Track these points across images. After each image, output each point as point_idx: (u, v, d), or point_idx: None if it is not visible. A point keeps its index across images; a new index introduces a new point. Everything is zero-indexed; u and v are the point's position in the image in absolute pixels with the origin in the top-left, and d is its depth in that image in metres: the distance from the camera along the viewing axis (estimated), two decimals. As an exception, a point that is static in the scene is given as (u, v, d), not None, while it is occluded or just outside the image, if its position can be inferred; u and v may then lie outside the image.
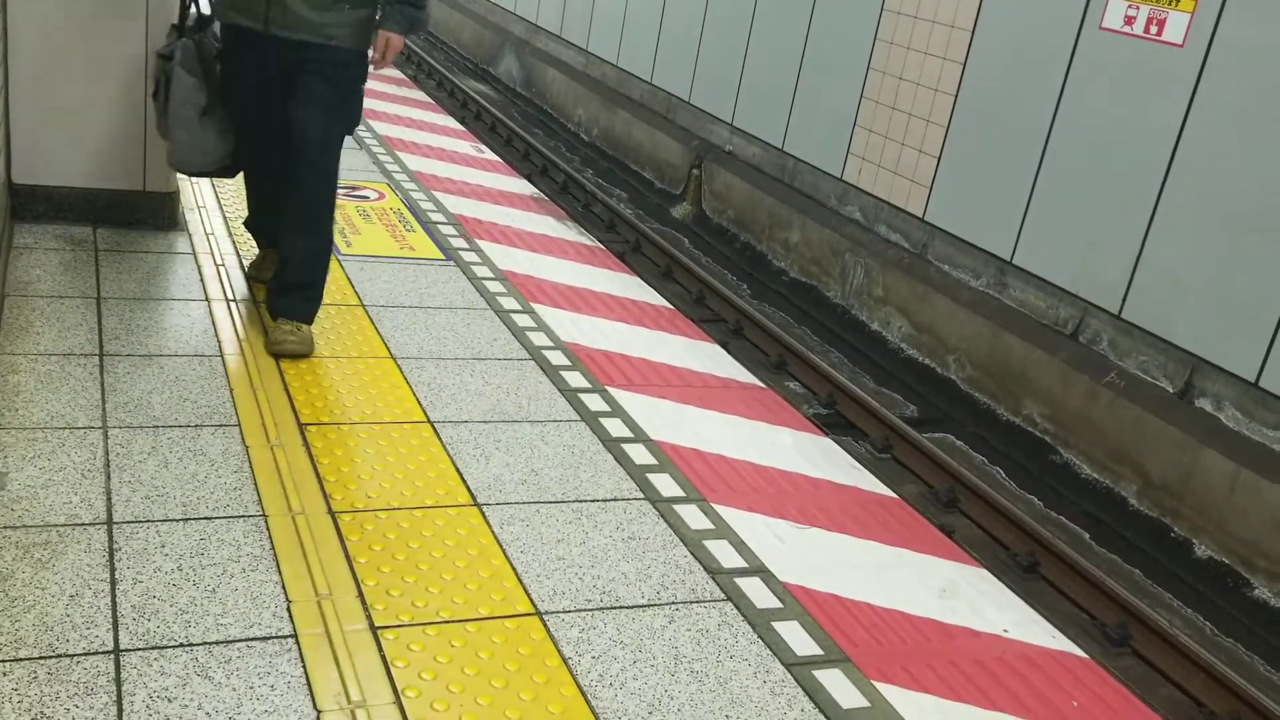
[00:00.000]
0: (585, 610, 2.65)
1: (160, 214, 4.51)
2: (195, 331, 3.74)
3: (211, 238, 4.53)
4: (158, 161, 4.36)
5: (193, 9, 3.79)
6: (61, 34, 4.16)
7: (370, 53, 3.68)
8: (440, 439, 3.33)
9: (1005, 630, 2.95)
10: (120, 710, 2.11)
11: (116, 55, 4.23)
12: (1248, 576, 5.18)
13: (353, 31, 3.56)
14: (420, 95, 9.04)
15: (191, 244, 4.46)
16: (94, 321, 3.65)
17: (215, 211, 4.85)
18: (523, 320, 4.37)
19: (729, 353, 4.73)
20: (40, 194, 4.33)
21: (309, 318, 3.75)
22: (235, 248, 4.48)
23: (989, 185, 6.92)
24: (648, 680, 2.45)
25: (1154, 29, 5.86)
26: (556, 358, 4.07)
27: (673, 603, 2.74)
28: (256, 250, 4.26)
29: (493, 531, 2.90)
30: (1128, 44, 6.01)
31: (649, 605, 2.72)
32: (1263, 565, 5.13)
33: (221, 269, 4.26)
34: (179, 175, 4.52)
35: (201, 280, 4.14)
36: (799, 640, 2.68)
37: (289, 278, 3.72)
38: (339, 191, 3.96)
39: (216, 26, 3.82)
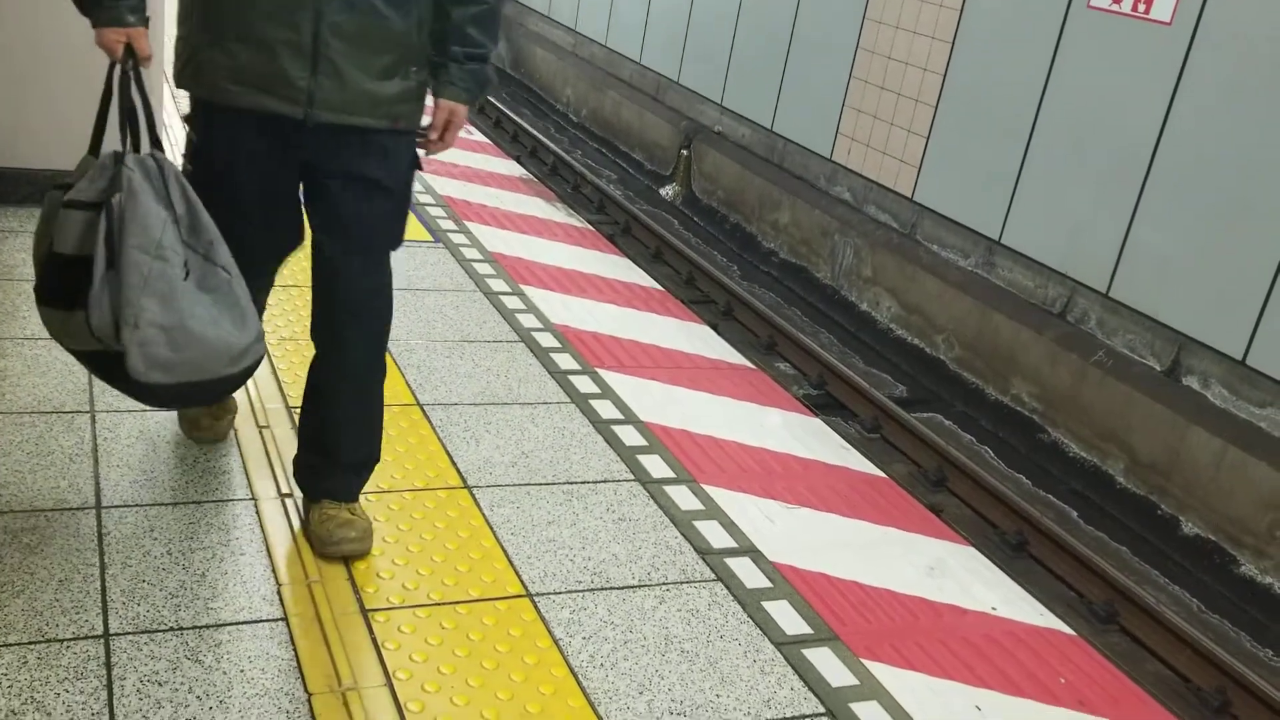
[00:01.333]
0: (576, 591, 2.66)
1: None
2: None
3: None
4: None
5: (142, 128, 2.37)
6: (41, 13, 4.12)
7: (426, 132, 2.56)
8: (430, 421, 3.32)
9: (993, 608, 2.97)
10: (111, 694, 2.11)
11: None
12: (1234, 553, 5.22)
13: (417, 106, 2.49)
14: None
15: (178, 227, 4.43)
16: (80, 305, 3.63)
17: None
18: (512, 302, 4.36)
19: (719, 334, 4.73)
20: (24, 177, 4.30)
21: (358, 492, 2.72)
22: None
23: (977, 164, 6.92)
24: (638, 660, 2.46)
25: (1141, 7, 5.85)
26: (546, 340, 4.07)
27: (663, 583, 2.75)
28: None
29: (483, 514, 2.90)
30: (1115, 22, 6.00)
31: (639, 586, 2.72)
32: (1249, 542, 5.17)
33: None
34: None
35: (188, 263, 4.12)
36: (788, 619, 2.69)
37: (334, 451, 2.65)
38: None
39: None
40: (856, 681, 2.52)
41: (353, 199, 2.46)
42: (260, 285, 2.69)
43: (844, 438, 3.90)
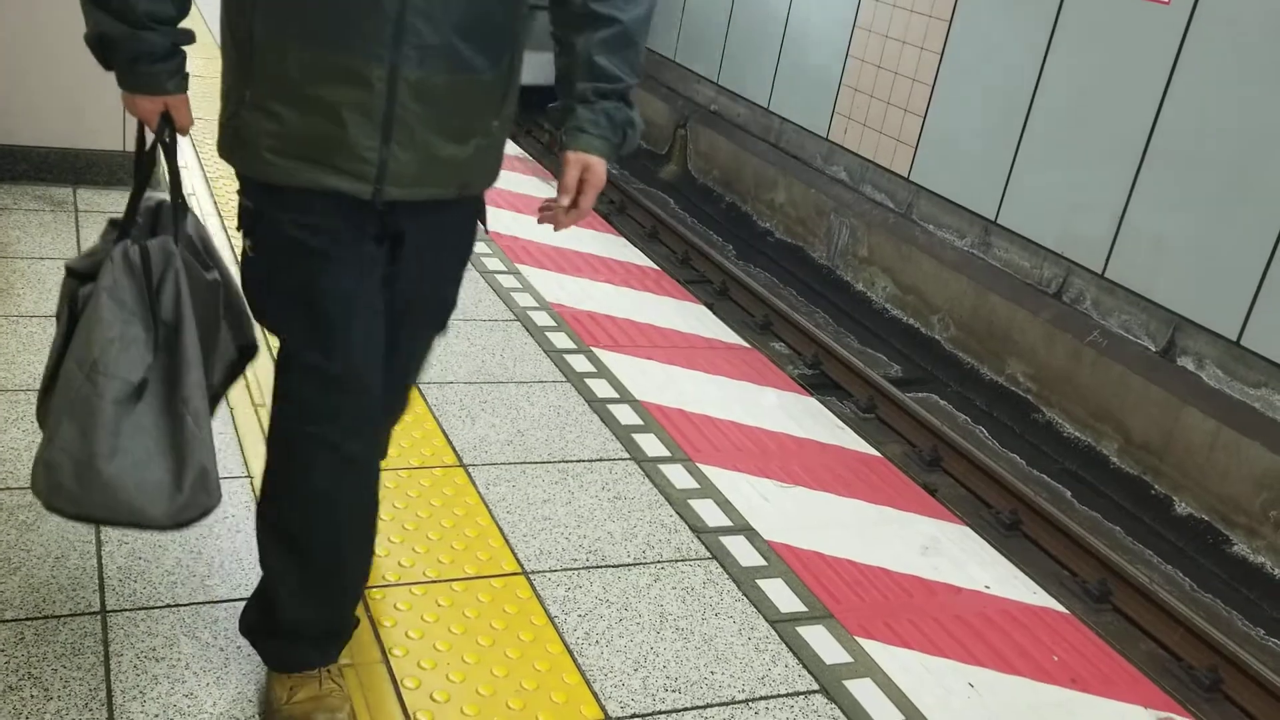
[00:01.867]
0: (571, 569, 2.66)
1: (140, 174, 4.46)
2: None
3: (192, 198, 4.50)
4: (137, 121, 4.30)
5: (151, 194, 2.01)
6: (37, -9, 4.10)
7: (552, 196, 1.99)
8: (425, 400, 3.32)
9: (987, 586, 2.98)
10: (108, 670, 2.12)
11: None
12: (1227, 533, 5.24)
13: (493, 167, 2.00)
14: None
15: (173, 205, 4.42)
16: (75, 283, 3.62)
17: (196, 170, 4.81)
18: (508, 281, 4.36)
19: (714, 313, 4.73)
20: (19, 154, 4.28)
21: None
22: (216, 208, 4.45)
23: (974, 144, 6.91)
24: (633, 638, 2.47)
25: (1140, -13, 5.83)
26: (542, 318, 4.07)
27: (658, 561, 2.76)
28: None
29: (479, 492, 2.91)
30: (1113, 1, 5.98)
31: (635, 564, 2.73)
32: (1242, 522, 5.19)
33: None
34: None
35: (183, 241, 4.11)
36: (783, 597, 2.70)
37: None
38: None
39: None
40: (850, 659, 2.53)
41: (412, 280, 2.00)
42: (359, 467, 1.99)
43: (839, 417, 3.90)
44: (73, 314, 1.89)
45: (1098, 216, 6.10)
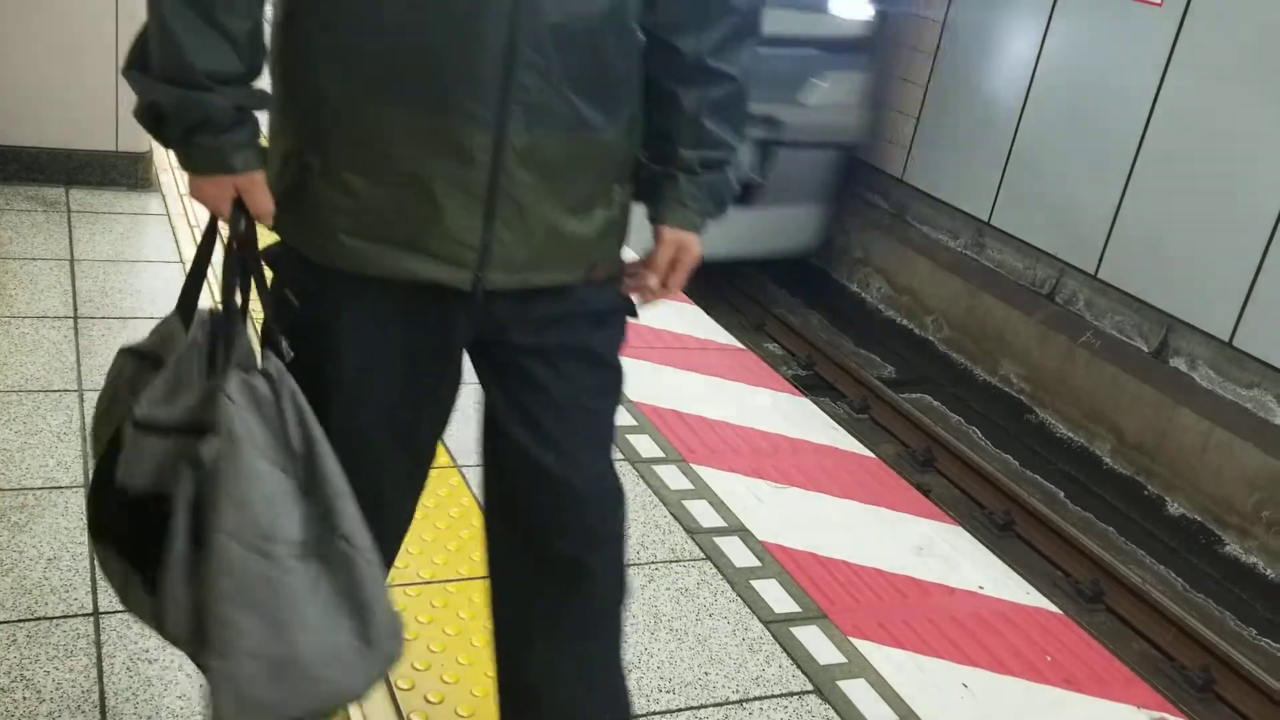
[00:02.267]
0: (565, 570, 2.66)
1: (133, 174, 4.46)
2: (170, 294, 3.68)
3: (185, 199, 4.49)
4: (129, 120, 4.30)
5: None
6: (29, -9, 4.09)
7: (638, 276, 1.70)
8: (419, 401, 3.32)
9: (980, 587, 2.98)
10: (101, 672, 2.11)
11: (86, 11, 4.16)
12: (1219, 533, 5.26)
13: (620, 241, 1.67)
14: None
15: (165, 205, 4.41)
16: (68, 284, 3.62)
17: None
18: (501, 282, 4.35)
19: (708, 314, 4.73)
20: (11, 154, 4.27)
21: None
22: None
23: (967, 146, 6.92)
24: (628, 638, 2.46)
25: (1133, -12, 5.84)
26: (535, 319, 4.06)
27: (652, 562, 2.76)
28: None
29: (473, 493, 2.90)
30: (1107, 1, 6.00)
31: (629, 565, 2.73)
32: (1234, 522, 5.20)
33: (196, 230, 4.22)
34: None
35: (176, 242, 4.11)
36: (777, 598, 2.70)
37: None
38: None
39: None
40: (844, 659, 2.53)
41: (563, 379, 1.71)
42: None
43: (833, 418, 3.91)
44: (199, 487, 1.47)
45: (1091, 217, 6.11)
